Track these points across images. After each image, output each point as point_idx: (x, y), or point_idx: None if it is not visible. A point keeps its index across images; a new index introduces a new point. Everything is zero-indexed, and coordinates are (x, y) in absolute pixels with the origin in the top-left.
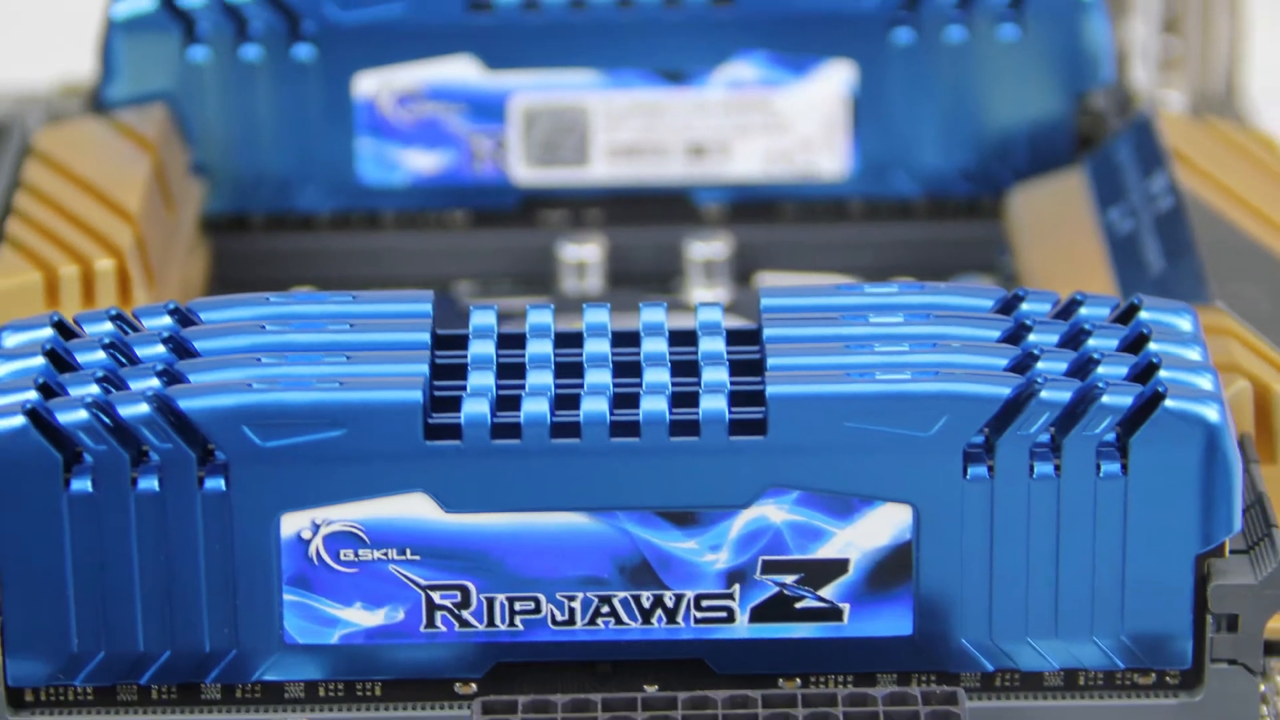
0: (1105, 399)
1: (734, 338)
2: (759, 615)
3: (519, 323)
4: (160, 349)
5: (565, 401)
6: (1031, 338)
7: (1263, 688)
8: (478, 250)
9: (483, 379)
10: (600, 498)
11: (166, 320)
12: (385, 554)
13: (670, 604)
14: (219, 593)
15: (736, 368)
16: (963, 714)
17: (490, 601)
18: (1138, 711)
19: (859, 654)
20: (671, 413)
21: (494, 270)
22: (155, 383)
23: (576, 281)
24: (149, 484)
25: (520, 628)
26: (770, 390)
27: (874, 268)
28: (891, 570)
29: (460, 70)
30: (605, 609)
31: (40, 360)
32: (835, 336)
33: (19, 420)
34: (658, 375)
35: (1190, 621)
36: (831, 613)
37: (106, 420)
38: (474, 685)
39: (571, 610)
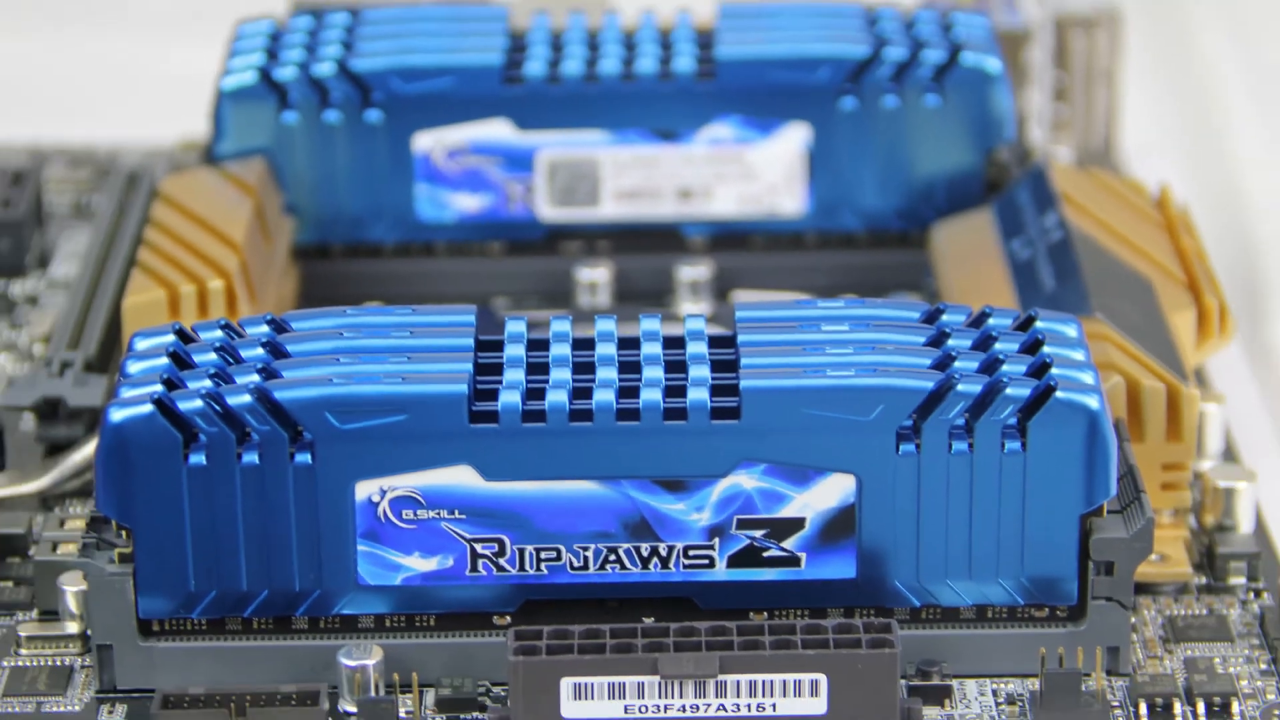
0: (1008, 391)
1: (714, 342)
2: (734, 562)
3: (544, 330)
4: (260, 351)
5: (581, 393)
6: (950, 342)
7: (1133, 620)
8: (511, 273)
9: (515, 375)
10: (608, 469)
11: (264, 328)
12: (438, 514)
13: (664, 553)
14: (306, 544)
15: (716, 366)
16: (895, 640)
17: (521, 551)
18: (1034, 639)
19: (813, 593)
20: (664, 402)
21: (524, 289)
22: (256, 378)
23: (590, 298)
24: (251, 459)
25: (545, 572)
26: (743, 384)
27: (825, 287)
28: (839, 527)
29: (497, 130)
30: (613, 557)
31: (164, 360)
32: (795, 341)
33: (148, 408)
34: (654, 372)
35: (1076, 567)
36: (791, 560)
37: (217, 408)
38: (508, 618)
39: (586, 558)
